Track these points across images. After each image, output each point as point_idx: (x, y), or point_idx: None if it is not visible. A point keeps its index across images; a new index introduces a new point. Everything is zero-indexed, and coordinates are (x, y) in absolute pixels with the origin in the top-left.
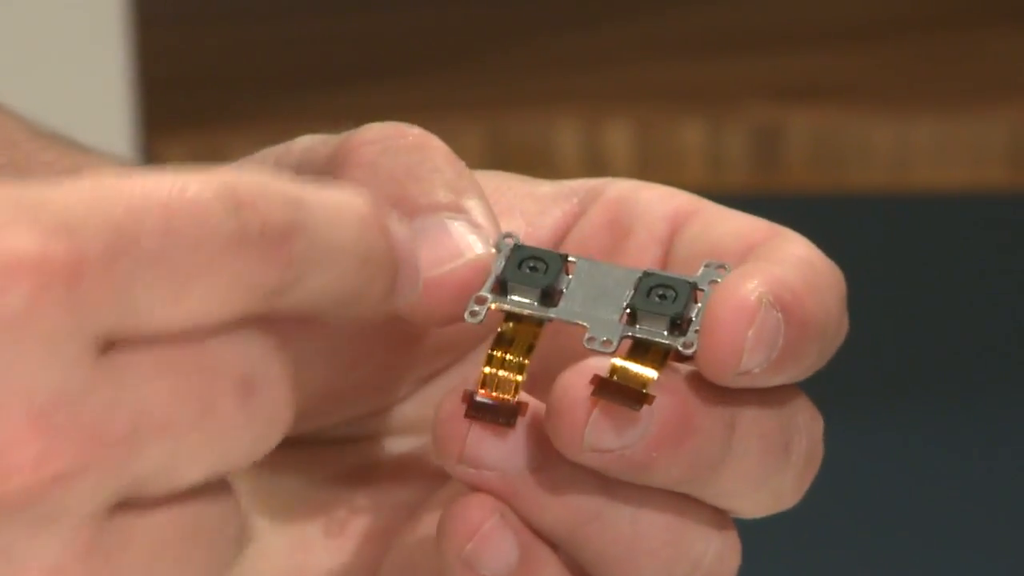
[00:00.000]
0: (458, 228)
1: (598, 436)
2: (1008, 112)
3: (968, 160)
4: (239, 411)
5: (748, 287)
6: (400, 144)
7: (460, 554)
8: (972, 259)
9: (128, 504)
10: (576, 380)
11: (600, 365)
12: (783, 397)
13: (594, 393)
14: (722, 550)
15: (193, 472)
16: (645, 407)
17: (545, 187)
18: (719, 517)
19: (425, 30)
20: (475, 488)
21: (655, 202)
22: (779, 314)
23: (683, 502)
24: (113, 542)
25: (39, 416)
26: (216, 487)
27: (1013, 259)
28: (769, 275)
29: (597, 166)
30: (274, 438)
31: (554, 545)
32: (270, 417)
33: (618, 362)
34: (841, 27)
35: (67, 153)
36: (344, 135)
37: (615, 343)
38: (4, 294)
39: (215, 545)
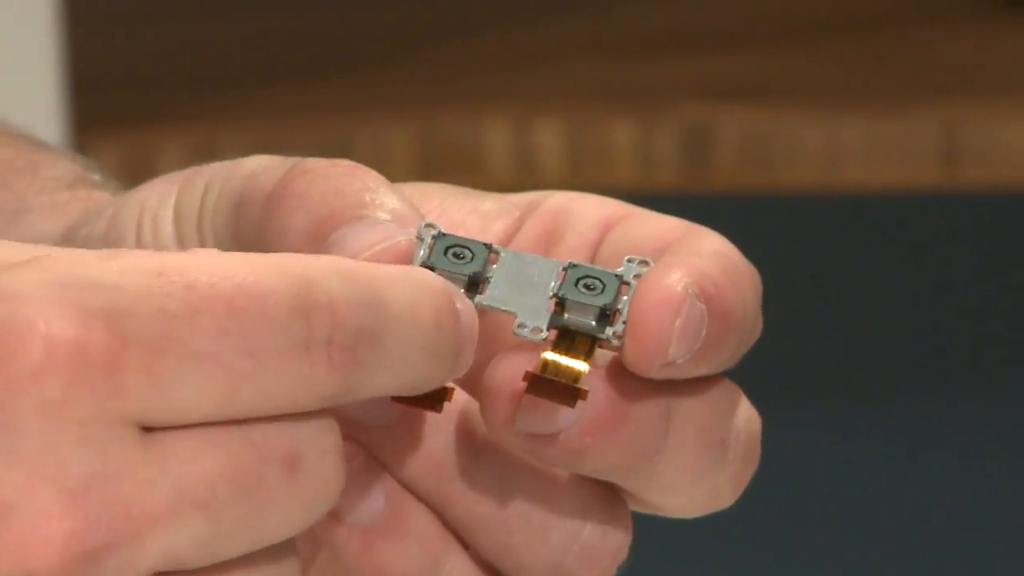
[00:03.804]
0: (387, 223)
1: (531, 421)
2: (939, 111)
3: (899, 159)
4: (284, 488)
5: (673, 278)
6: (331, 171)
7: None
8: (904, 258)
9: (171, 573)
10: (507, 365)
11: (530, 354)
12: (721, 393)
13: (528, 390)
14: (604, 526)
15: (236, 545)
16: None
17: (488, 203)
18: (602, 490)
19: (355, 30)
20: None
21: (588, 210)
22: (703, 305)
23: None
24: None
25: (72, 495)
26: (273, 552)
27: (944, 257)
28: (692, 266)
29: (527, 166)
30: (323, 509)
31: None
32: (317, 490)
33: (549, 355)
34: (771, 27)
35: (25, 150)
36: (287, 168)
37: (545, 330)
38: (41, 379)
39: None
